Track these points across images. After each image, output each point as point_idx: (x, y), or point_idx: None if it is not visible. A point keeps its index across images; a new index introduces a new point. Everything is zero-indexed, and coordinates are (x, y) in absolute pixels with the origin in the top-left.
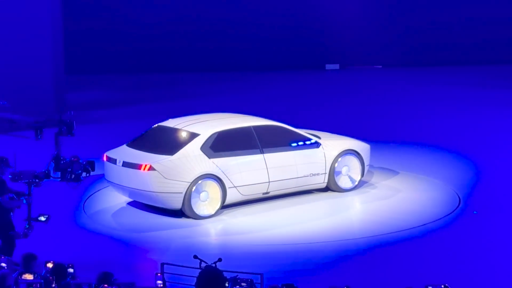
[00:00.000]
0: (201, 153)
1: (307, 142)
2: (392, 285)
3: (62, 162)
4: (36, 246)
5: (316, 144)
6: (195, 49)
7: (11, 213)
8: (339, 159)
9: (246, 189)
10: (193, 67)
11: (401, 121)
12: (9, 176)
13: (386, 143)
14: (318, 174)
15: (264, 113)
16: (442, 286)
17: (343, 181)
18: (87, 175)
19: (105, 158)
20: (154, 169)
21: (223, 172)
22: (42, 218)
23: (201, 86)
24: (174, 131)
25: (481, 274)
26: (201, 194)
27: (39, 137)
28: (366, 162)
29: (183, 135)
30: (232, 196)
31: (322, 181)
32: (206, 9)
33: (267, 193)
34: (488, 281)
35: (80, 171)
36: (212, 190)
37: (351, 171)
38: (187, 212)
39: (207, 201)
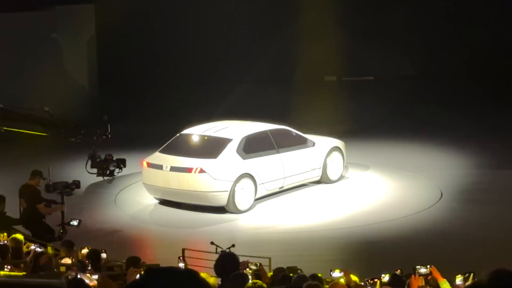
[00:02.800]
0: (237, 155)
1: (307, 142)
2: (383, 268)
3: (98, 160)
4: (74, 234)
5: (313, 143)
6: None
7: (44, 218)
8: (329, 155)
9: (270, 184)
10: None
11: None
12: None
13: (370, 141)
14: (315, 168)
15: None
16: (428, 266)
17: (332, 174)
18: (120, 171)
19: (145, 165)
20: (204, 171)
21: (255, 171)
22: (74, 223)
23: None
24: (204, 137)
25: (460, 255)
26: (241, 191)
27: (78, 139)
28: (345, 156)
29: (216, 140)
30: (260, 191)
31: (318, 175)
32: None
33: (282, 187)
34: (465, 262)
35: (114, 168)
36: (248, 187)
37: (336, 164)
38: (230, 208)
39: (244, 197)
